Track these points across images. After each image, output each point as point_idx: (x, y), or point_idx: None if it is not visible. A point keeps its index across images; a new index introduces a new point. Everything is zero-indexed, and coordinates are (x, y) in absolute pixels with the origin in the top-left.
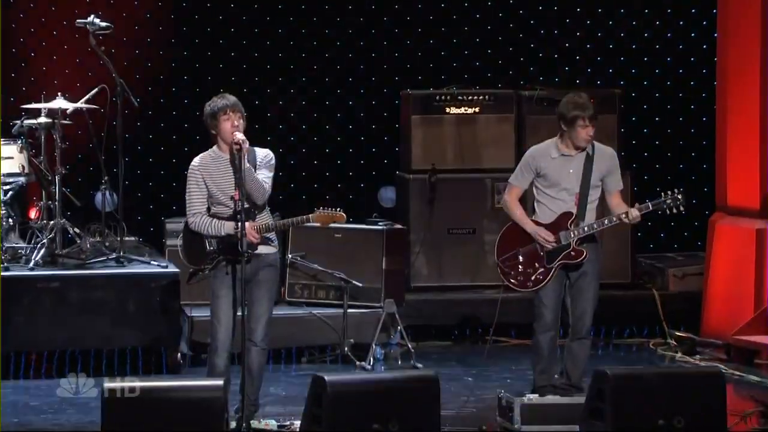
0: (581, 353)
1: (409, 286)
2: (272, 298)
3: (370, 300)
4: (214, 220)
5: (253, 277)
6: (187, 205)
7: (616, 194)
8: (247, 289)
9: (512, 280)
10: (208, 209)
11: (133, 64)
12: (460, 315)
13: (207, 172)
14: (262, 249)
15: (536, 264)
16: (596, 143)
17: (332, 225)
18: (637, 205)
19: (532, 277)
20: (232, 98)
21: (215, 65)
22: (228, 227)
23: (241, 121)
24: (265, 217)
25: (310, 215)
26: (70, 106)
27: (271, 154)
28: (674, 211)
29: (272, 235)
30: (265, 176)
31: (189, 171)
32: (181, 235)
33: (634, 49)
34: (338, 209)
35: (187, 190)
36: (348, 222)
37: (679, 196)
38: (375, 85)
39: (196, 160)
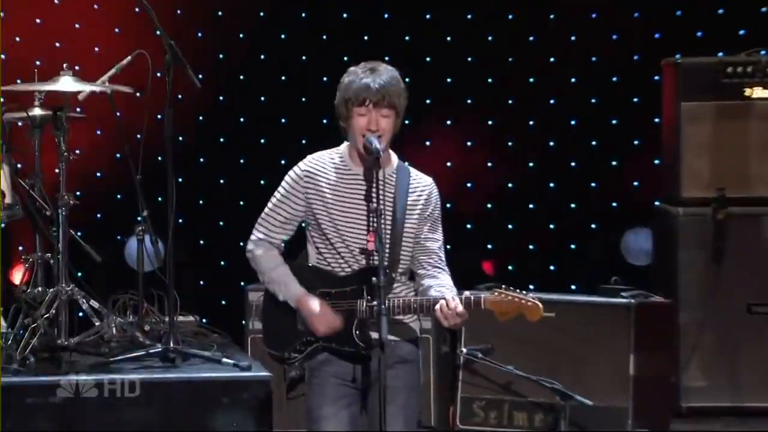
0: None
1: (680, 408)
2: (412, 418)
3: (608, 429)
4: (281, 268)
5: (376, 383)
6: (257, 223)
7: None
8: (367, 403)
9: None
10: (289, 246)
11: (193, 18)
12: None
13: (317, 188)
14: (389, 336)
15: None
16: None
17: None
18: None
19: None
20: (384, 78)
21: (332, 18)
22: (293, 293)
23: (389, 119)
24: (403, 287)
25: (483, 295)
26: (83, 88)
27: (437, 190)
28: None
29: (408, 317)
30: (433, 238)
31: (287, 176)
32: (262, 299)
33: None
34: (531, 296)
35: (269, 202)
36: (566, 292)
37: None
38: (615, 50)
39: (303, 163)
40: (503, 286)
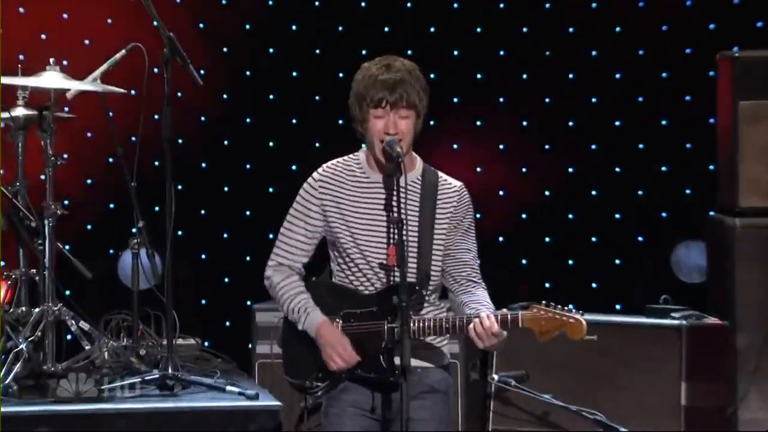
0: None
1: None
2: None
3: None
4: (301, 297)
5: (400, 414)
6: (274, 246)
7: None
8: None
9: None
10: (311, 266)
11: (194, 6)
12: None
13: (333, 199)
14: (417, 361)
15: None
16: None
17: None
18: None
19: None
20: (401, 75)
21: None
22: (313, 322)
23: (408, 121)
24: (433, 308)
25: (521, 313)
26: (71, 86)
27: (468, 194)
28: None
29: (439, 339)
30: (466, 249)
31: (301, 189)
32: (281, 323)
33: None
34: (576, 311)
35: (285, 220)
36: (610, 312)
37: None
38: (665, 42)
39: (317, 173)
40: (543, 302)
